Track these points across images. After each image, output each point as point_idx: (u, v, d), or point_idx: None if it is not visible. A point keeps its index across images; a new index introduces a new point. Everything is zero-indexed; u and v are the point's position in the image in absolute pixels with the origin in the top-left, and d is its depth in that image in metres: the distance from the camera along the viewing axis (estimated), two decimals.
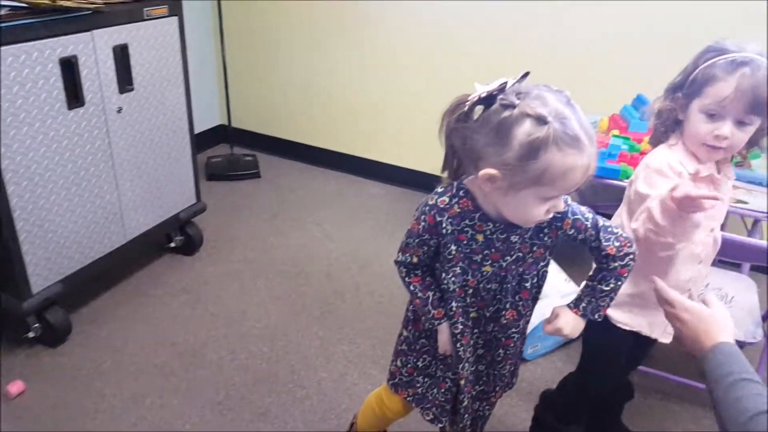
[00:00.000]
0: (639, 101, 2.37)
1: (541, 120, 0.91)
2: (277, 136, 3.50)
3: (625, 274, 1.16)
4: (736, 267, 2.17)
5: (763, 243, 1.61)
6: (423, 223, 1.11)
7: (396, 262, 1.21)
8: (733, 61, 1.15)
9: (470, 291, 1.16)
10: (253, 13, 3.22)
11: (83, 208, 2.00)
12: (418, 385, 1.35)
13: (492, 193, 1.01)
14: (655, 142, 1.33)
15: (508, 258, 1.13)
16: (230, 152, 3.35)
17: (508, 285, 1.16)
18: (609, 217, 1.28)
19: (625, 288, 1.31)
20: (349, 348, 2.08)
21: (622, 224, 1.35)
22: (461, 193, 1.08)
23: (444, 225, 1.09)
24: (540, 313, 1.98)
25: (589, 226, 1.12)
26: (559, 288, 2.02)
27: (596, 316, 1.20)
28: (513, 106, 0.93)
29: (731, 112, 1.16)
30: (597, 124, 2.44)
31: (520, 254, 1.14)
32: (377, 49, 3.02)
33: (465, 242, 1.11)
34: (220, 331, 2.12)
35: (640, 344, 1.42)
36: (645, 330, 1.38)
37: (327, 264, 2.54)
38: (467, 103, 0.97)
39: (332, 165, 3.39)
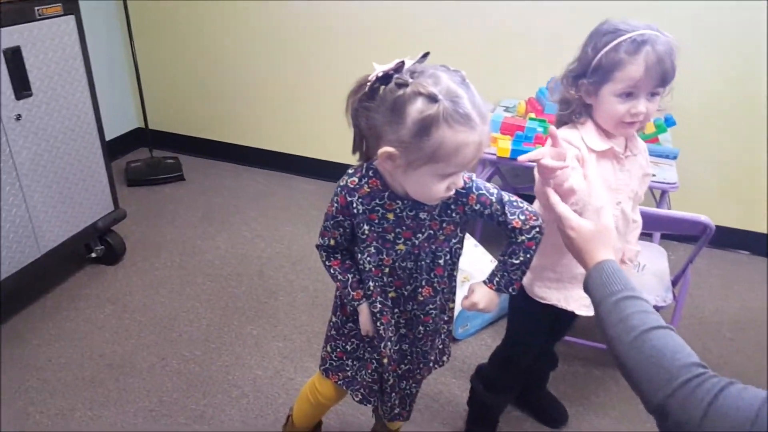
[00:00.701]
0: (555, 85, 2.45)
1: (431, 98, 0.94)
2: (200, 136, 3.42)
3: (533, 247, 1.20)
4: (648, 237, 2.29)
5: (671, 213, 1.71)
6: (336, 205, 1.14)
7: (316, 246, 1.24)
8: (634, 42, 1.19)
9: (386, 270, 1.18)
10: (161, 9, 3.12)
11: None
12: (348, 368, 1.37)
13: (394, 172, 1.05)
14: (561, 124, 1.36)
15: (420, 236, 1.16)
16: (150, 156, 3.25)
17: (422, 263, 1.18)
18: (531, 199, 1.31)
19: (539, 261, 1.37)
20: (284, 344, 2.07)
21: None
22: (370, 173, 1.11)
23: (355, 205, 1.12)
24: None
25: (494, 200, 1.15)
26: (484, 270, 2.07)
27: (510, 290, 1.24)
28: (406, 85, 0.96)
29: (643, 89, 1.21)
30: (515, 108, 2.51)
31: (431, 231, 1.16)
32: (295, 44, 2.99)
33: (377, 221, 1.13)
34: (149, 339, 2.06)
35: (560, 317, 1.48)
36: (561, 303, 1.43)
37: (259, 263, 2.51)
38: (367, 84, 1.00)
39: (259, 163, 3.35)
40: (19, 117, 1.93)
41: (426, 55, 1.01)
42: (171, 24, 3.15)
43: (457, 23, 2.69)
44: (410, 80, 0.96)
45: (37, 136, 2.01)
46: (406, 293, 1.23)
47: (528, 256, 1.20)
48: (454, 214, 1.16)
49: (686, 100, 2.49)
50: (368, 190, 1.11)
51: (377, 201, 1.12)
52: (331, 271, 1.24)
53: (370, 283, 1.19)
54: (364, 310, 1.24)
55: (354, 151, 1.12)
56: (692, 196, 2.55)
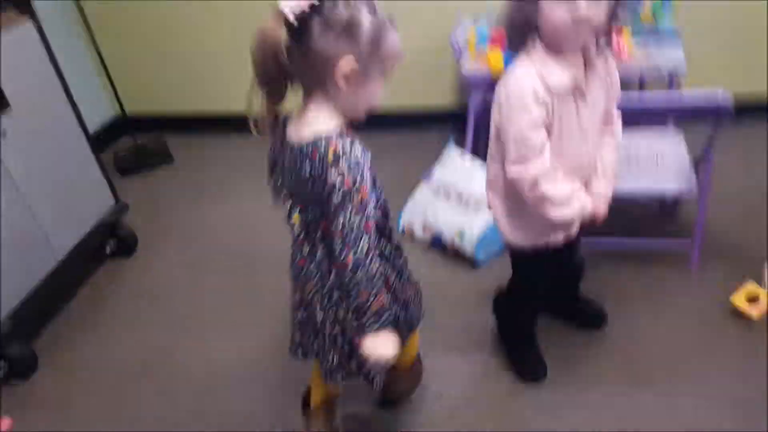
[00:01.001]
0: None
1: (372, 9, 1.02)
2: (179, 111, 3.31)
3: None
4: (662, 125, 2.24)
5: (685, 94, 1.65)
6: (367, 183, 1.07)
7: (360, 259, 1.08)
8: None
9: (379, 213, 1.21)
10: None
11: (3, 245, 1.85)
12: None
13: (345, 94, 1.05)
14: (514, 48, 1.30)
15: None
16: (135, 143, 3.16)
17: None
18: None
19: (506, 208, 1.43)
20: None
21: (491, 154, 1.39)
22: (341, 131, 1.09)
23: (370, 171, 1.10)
24: (484, 218, 2.04)
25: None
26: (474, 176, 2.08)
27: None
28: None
29: None
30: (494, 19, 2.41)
31: None
32: None
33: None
34: (178, 327, 2.05)
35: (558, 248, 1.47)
36: (539, 240, 1.44)
37: (274, 230, 2.46)
38: (295, 22, 0.99)
39: (243, 127, 3.24)
40: (4, 134, 1.86)
41: None
42: (126, 5, 2.99)
43: None
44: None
45: (26, 149, 1.96)
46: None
47: None
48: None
49: None
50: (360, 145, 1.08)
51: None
52: (379, 273, 1.12)
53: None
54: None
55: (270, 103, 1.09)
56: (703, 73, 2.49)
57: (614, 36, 2.07)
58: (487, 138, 1.40)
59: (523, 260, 1.56)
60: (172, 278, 2.28)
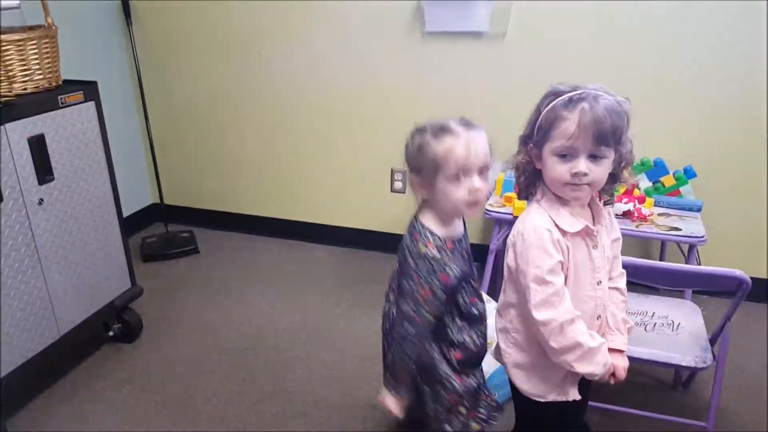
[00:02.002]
0: None
1: (421, 129, 1.29)
2: (213, 209, 3.43)
3: None
4: (679, 294, 2.21)
5: (700, 268, 1.65)
6: (439, 286, 1.28)
7: (413, 337, 1.33)
8: (571, 99, 1.18)
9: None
10: (173, 87, 3.19)
11: (10, 306, 1.87)
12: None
13: (427, 196, 1.31)
14: (524, 196, 1.35)
15: (466, 268, 1.39)
16: (165, 231, 3.26)
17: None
18: None
19: (523, 358, 1.38)
20: (304, 421, 1.99)
21: (508, 300, 1.37)
22: (428, 234, 1.30)
23: (451, 273, 1.30)
24: (491, 362, 1.97)
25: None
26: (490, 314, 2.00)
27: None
28: (413, 131, 1.31)
29: (581, 148, 1.18)
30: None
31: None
32: (302, 111, 3.03)
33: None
34: (167, 420, 1.99)
35: (565, 404, 1.40)
36: (552, 395, 1.38)
37: (275, 336, 2.45)
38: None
39: (271, 232, 3.34)
40: (41, 201, 1.95)
41: None
42: (184, 101, 3.22)
43: (457, 92, 2.73)
44: (413, 131, 1.31)
45: (58, 219, 2.02)
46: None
47: None
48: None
49: (706, 150, 2.48)
50: (439, 249, 1.29)
51: (447, 254, 1.30)
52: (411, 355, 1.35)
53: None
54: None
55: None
56: (721, 249, 2.48)
57: (636, 204, 2.13)
58: (502, 281, 1.39)
59: (529, 412, 1.48)
60: (164, 372, 2.24)
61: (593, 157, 1.20)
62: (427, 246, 1.27)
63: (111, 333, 2.35)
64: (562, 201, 1.27)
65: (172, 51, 3.12)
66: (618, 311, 1.40)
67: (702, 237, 2.01)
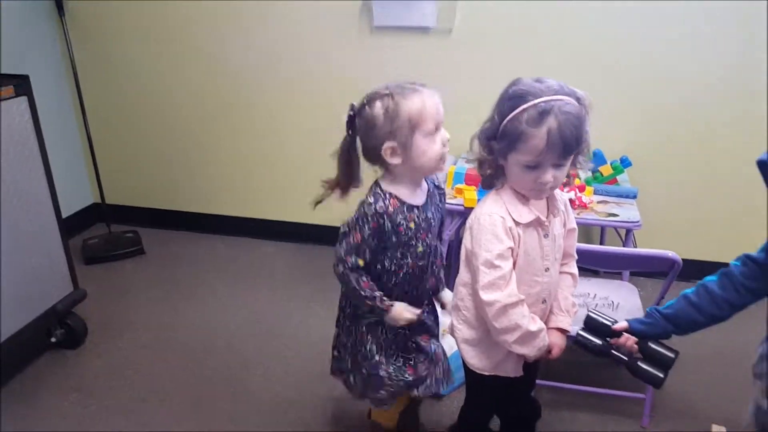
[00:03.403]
0: None
1: (380, 93, 1.34)
2: (158, 207, 3.35)
3: None
4: (617, 275, 2.32)
5: (636, 250, 1.75)
6: (368, 230, 1.38)
7: (343, 271, 1.42)
8: (536, 111, 1.18)
9: (407, 270, 1.45)
10: (112, 83, 3.10)
11: None
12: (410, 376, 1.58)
13: (405, 161, 1.35)
14: (488, 186, 1.38)
15: (430, 235, 1.46)
16: (108, 231, 3.16)
17: (431, 258, 1.49)
18: None
19: (471, 334, 1.43)
20: (260, 419, 1.98)
21: (462, 279, 1.41)
22: (387, 195, 1.39)
23: (386, 225, 1.38)
24: (448, 345, 2.03)
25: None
26: None
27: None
28: (364, 104, 1.36)
29: (548, 160, 1.22)
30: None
31: (433, 230, 1.47)
32: (246, 105, 3.00)
33: (403, 233, 1.40)
34: (118, 426, 1.95)
35: (511, 380, 1.47)
36: (498, 371, 1.45)
37: (229, 335, 2.43)
38: (348, 130, 1.39)
39: (219, 230, 3.29)
40: None
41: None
42: (123, 98, 3.13)
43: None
44: (365, 100, 1.36)
45: None
46: (417, 291, 1.51)
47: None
48: (440, 205, 1.50)
49: (641, 141, 2.60)
50: (392, 209, 1.38)
51: (401, 216, 1.39)
52: (364, 292, 1.43)
53: (393, 280, 1.46)
54: (399, 307, 1.46)
55: (348, 184, 1.45)
56: (656, 233, 2.61)
57: (577, 192, 2.21)
58: (457, 269, 1.43)
59: (478, 387, 1.55)
60: (113, 377, 2.18)
61: (557, 165, 1.24)
62: (374, 199, 1.39)
63: (54, 339, 2.27)
64: (520, 195, 1.32)
65: (109, 45, 3.02)
66: (569, 295, 1.48)
67: (637, 222, 2.12)
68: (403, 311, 1.47)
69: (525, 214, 1.32)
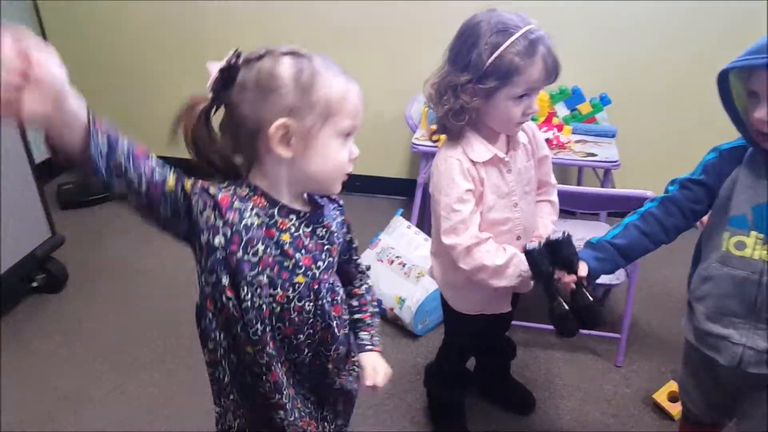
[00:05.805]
0: None
1: (296, 53, 0.87)
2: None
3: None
4: (594, 216, 2.35)
5: (614, 191, 1.76)
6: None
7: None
8: (528, 42, 1.18)
9: (277, 310, 0.95)
10: (81, 24, 2.99)
11: None
12: None
13: (293, 159, 0.89)
14: (457, 137, 1.32)
15: (321, 264, 0.97)
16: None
17: (323, 301, 0.98)
18: None
19: (454, 277, 1.42)
20: None
21: (434, 224, 1.41)
22: (248, 190, 0.93)
23: (241, 214, 0.93)
24: (423, 287, 2.06)
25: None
26: (425, 255, 2.06)
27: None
28: (262, 56, 0.87)
29: (541, 87, 1.25)
30: None
31: (330, 259, 0.98)
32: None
33: (274, 240, 0.92)
34: (103, 367, 1.98)
35: (489, 318, 1.50)
36: (486, 309, 1.48)
37: None
38: (211, 87, 0.88)
39: (194, 171, 3.23)
40: None
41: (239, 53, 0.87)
42: (85, 23, 3.03)
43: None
44: (262, 51, 0.87)
45: None
46: (297, 342, 0.98)
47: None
48: (343, 228, 1.04)
49: (620, 78, 2.58)
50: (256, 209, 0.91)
51: (269, 219, 0.92)
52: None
53: (258, 326, 0.93)
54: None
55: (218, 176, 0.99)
56: (634, 172, 2.62)
57: (555, 132, 2.21)
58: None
59: (457, 329, 1.60)
60: (96, 320, 2.20)
61: (537, 89, 1.25)
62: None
63: (35, 284, 2.27)
64: (487, 134, 1.31)
65: None
66: (549, 222, 1.50)
67: (616, 162, 2.13)
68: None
69: (481, 152, 1.30)
